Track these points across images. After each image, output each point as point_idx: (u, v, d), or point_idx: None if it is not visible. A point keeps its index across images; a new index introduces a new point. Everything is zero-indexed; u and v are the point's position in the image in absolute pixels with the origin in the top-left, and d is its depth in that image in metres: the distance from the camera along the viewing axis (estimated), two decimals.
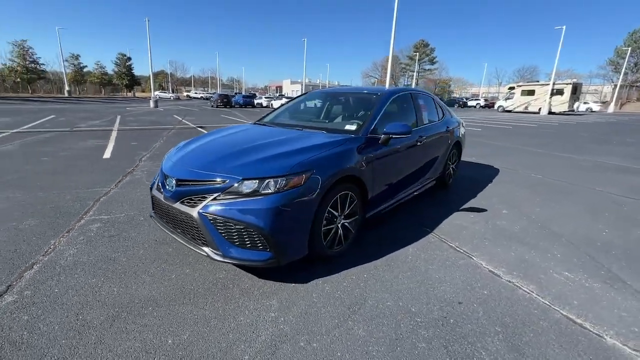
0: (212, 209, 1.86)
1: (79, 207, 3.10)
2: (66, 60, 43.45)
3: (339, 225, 2.36)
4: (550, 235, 2.84)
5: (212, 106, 25.94)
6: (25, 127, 9.04)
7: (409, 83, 53.19)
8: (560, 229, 2.95)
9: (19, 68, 38.14)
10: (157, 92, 48.59)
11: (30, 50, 39.93)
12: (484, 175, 4.99)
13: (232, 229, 1.84)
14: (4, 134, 7.59)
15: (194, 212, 1.89)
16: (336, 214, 2.30)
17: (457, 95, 57.95)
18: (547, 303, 1.89)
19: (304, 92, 4.49)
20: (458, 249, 2.56)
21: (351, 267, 2.27)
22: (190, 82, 75.77)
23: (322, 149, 2.27)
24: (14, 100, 25.64)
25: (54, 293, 1.84)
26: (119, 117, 13.32)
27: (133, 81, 57.29)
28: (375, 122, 2.74)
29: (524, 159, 6.46)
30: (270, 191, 1.88)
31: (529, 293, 1.98)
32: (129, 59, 56.31)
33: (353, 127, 2.72)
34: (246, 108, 25.92)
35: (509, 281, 2.11)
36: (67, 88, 38.71)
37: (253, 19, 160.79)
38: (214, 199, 1.89)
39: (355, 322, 1.70)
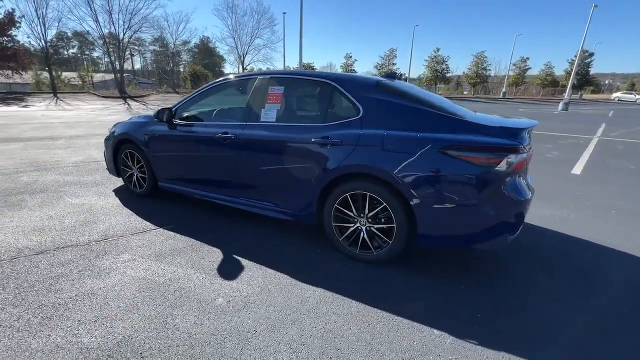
0: None
1: None
2: (514, 64, 47.38)
3: (136, 174, 3.51)
4: None
5: None
6: None
7: None
8: None
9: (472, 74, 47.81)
10: (618, 94, 41.02)
11: (484, 58, 48.17)
12: None
13: None
14: None
15: None
16: (129, 164, 3.50)
17: None
18: None
19: None
20: None
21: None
22: None
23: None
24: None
25: None
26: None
27: (585, 81, 50.46)
28: (175, 106, 3.10)
29: None
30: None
31: None
32: (591, 55, 49.53)
33: None
34: None
35: None
36: (503, 90, 43.08)
37: None
38: None
39: None
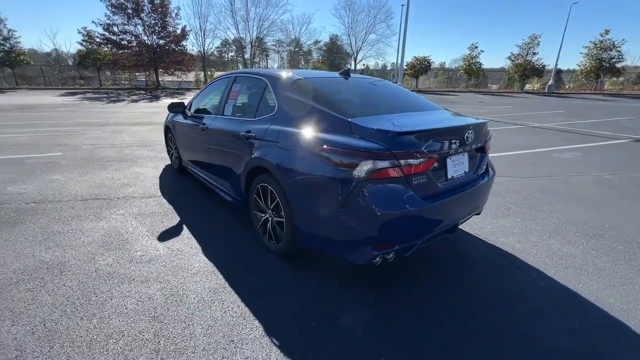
0: None
1: None
2: None
3: (174, 154, 4.46)
4: None
5: None
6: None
7: None
8: None
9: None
10: None
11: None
12: None
13: None
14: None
15: None
16: (171, 145, 4.45)
17: None
18: None
19: None
20: None
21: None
22: None
23: None
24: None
25: None
26: None
27: None
28: (193, 100, 3.80)
29: None
30: None
31: None
32: None
33: None
34: None
35: None
36: None
37: None
38: None
39: None
